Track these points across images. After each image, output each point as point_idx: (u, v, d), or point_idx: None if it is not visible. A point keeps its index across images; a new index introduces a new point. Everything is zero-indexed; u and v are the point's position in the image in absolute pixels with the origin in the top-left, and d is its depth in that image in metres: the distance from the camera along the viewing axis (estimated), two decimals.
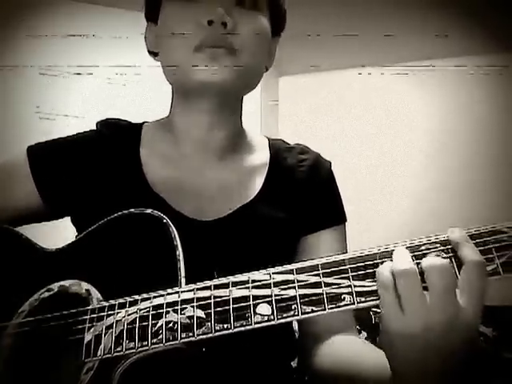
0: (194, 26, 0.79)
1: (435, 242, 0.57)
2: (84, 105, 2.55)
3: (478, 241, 0.56)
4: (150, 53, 0.90)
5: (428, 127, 3.21)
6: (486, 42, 2.89)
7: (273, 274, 0.59)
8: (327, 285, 0.57)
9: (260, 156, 0.91)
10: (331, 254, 0.85)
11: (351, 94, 3.32)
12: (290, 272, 0.59)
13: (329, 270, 0.58)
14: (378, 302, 0.55)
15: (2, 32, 2.44)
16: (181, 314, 0.60)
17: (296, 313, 0.57)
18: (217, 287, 0.60)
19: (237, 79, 0.80)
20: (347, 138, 3.25)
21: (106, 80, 2.64)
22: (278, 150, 0.93)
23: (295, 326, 0.93)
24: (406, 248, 0.57)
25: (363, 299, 0.56)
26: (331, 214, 0.90)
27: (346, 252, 0.88)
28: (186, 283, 0.63)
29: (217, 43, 0.78)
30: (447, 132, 3.15)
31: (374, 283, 0.56)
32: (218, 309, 0.59)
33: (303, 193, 0.88)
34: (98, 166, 0.85)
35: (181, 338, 0.59)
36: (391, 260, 0.55)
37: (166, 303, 0.61)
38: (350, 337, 0.83)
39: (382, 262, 0.56)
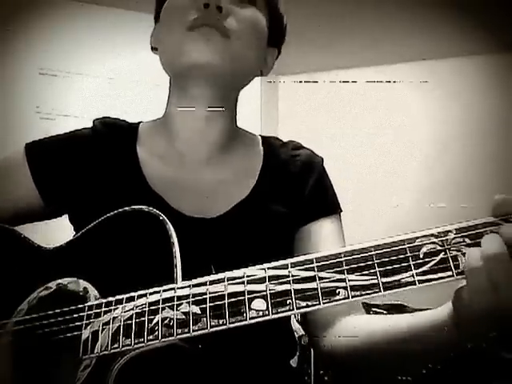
0: (190, 9, 0.81)
1: (429, 235, 0.57)
2: (84, 105, 2.55)
3: (471, 233, 0.55)
4: (153, 49, 0.92)
5: (428, 127, 3.21)
6: (486, 41, 2.89)
7: (268, 269, 0.59)
8: (322, 279, 0.57)
9: (254, 153, 0.92)
10: (327, 243, 0.86)
11: (351, 94, 3.31)
12: (285, 267, 0.59)
13: (324, 264, 0.58)
14: (376, 292, 0.55)
15: (2, 32, 2.44)
16: (176, 310, 0.60)
17: (291, 308, 0.57)
18: (212, 283, 0.60)
19: (228, 63, 0.80)
20: (347, 138, 3.25)
21: (106, 80, 2.64)
22: (272, 147, 0.94)
23: (293, 324, 0.93)
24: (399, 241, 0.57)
25: (358, 293, 0.56)
26: (325, 204, 0.91)
27: (344, 242, 0.89)
28: (185, 281, 0.63)
29: (209, 24, 0.79)
30: (447, 132, 3.15)
31: (368, 277, 0.56)
32: (214, 304, 0.59)
33: (297, 186, 0.89)
34: (96, 163, 0.85)
35: (177, 334, 0.59)
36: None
37: (162, 299, 0.61)
38: (367, 316, 0.83)
39: (376, 255, 0.57)
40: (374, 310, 1.98)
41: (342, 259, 0.57)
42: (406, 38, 2.95)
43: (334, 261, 0.58)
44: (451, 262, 0.54)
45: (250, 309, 0.57)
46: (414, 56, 3.15)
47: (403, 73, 3.25)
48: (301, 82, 3.41)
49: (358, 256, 0.57)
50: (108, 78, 2.65)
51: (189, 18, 0.80)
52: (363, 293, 0.56)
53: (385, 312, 1.98)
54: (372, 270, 0.56)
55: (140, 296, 0.63)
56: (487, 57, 3.08)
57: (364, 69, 3.30)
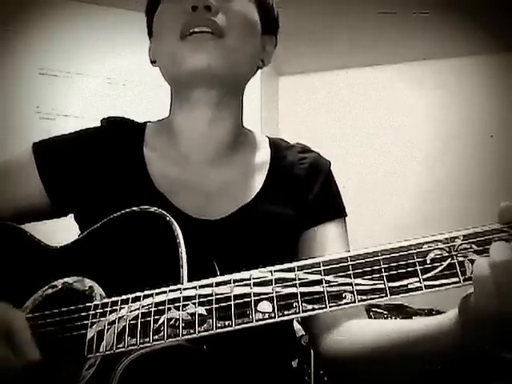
0: (179, 15, 0.81)
1: (437, 241, 0.57)
2: (84, 105, 2.54)
3: (478, 239, 0.56)
4: (152, 62, 0.92)
5: (428, 127, 3.21)
6: (486, 42, 2.89)
7: (274, 271, 0.59)
8: (328, 283, 0.57)
9: (261, 154, 0.92)
10: (332, 246, 0.86)
11: (351, 93, 3.31)
12: (292, 270, 0.59)
13: (330, 268, 0.58)
14: (382, 297, 0.55)
15: (2, 32, 2.43)
16: (182, 310, 0.60)
17: (297, 310, 0.57)
18: (218, 284, 0.60)
19: (226, 62, 0.80)
20: (347, 138, 3.24)
21: (106, 80, 2.64)
22: (278, 149, 0.93)
23: (296, 325, 0.93)
24: (402, 247, 0.57)
25: (364, 297, 0.56)
26: (331, 208, 0.91)
27: (348, 245, 0.89)
28: (189, 281, 0.63)
29: (200, 25, 0.79)
30: (447, 132, 3.15)
31: (374, 281, 0.56)
32: (220, 306, 0.59)
33: (304, 189, 0.89)
34: (102, 163, 0.86)
35: (182, 335, 0.59)
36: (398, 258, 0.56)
37: (168, 300, 0.61)
38: (370, 320, 0.83)
39: (383, 260, 0.57)
40: (374, 309, 1.98)
41: (349, 263, 0.58)
42: (407, 37, 2.95)
43: (341, 265, 0.58)
44: (458, 268, 0.55)
45: (256, 311, 0.57)
46: (415, 56, 3.15)
47: (403, 73, 3.25)
48: (301, 82, 3.41)
49: (365, 260, 0.57)
50: (108, 78, 2.65)
51: (180, 25, 0.80)
52: (370, 297, 0.56)
53: (385, 312, 1.99)
54: (379, 275, 0.56)
55: (146, 296, 0.63)
56: (487, 57, 3.08)
57: (364, 69, 3.30)
